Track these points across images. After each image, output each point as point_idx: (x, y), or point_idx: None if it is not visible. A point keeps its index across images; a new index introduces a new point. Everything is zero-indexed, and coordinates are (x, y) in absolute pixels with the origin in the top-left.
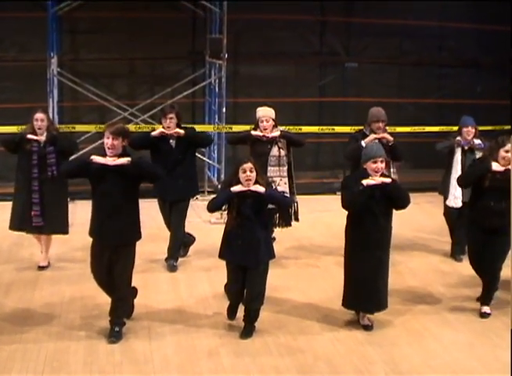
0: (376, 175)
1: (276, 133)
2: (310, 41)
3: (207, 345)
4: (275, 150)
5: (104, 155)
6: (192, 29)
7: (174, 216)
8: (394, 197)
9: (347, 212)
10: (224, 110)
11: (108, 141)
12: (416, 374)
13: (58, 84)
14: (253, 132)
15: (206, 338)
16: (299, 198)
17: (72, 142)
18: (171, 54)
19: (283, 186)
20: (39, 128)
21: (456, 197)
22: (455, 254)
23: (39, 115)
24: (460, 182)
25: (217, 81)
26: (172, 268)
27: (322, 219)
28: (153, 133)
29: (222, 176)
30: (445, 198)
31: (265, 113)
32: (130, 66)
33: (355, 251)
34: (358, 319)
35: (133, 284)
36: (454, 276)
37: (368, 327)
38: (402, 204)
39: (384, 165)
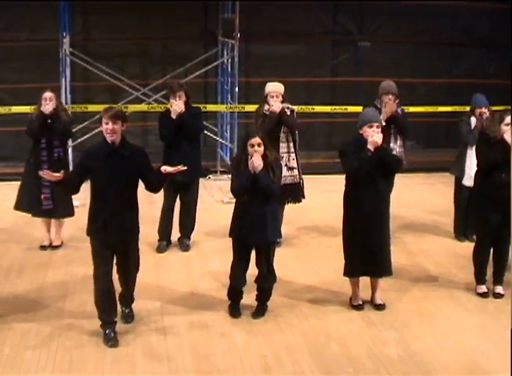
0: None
1: (276, 107)
2: (323, 20)
3: (220, 325)
4: (283, 127)
5: (104, 141)
6: (204, 9)
7: (187, 196)
8: (386, 161)
9: (344, 179)
10: (236, 89)
11: (108, 126)
12: (428, 354)
13: (70, 65)
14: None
15: (218, 317)
16: (312, 178)
17: (66, 130)
18: (184, 34)
19: (291, 161)
20: (47, 109)
21: (471, 176)
22: (459, 235)
23: (47, 94)
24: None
25: (229, 60)
26: (186, 247)
27: (334, 199)
28: (173, 116)
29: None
30: (458, 178)
31: (275, 88)
32: (142, 46)
33: (354, 216)
34: (370, 299)
35: (146, 264)
36: (467, 256)
37: (380, 307)
38: (394, 168)
39: (379, 130)
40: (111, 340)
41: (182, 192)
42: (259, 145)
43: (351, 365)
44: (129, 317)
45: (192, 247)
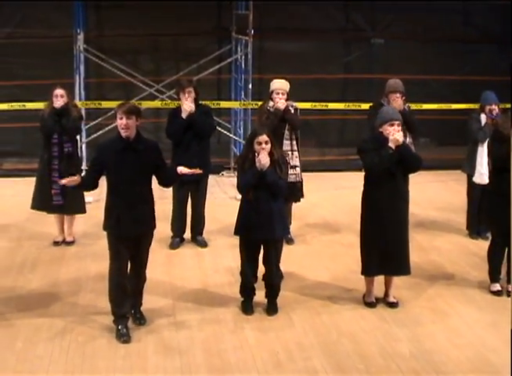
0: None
1: (281, 104)
2: (336, 17)
3: (232, 321)
4: (287, 124)
5: (118, 136)
6: (218, 5)
7: (195, 196)
8: (407, 159)
9: (364, 176)
10: (250, 86)
11: (122, 121)
12: (440, 352)
13: (84, 61)
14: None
15: (230, 313)
16: (324, 174)
17: (75, 126)
18: (197, 30)
19: (294, 159)
20: (58, 105)
21: (481, 173)
22: (472, 233)
23: (59, 91)
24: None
25: (243, 57)
26: (203, 243)
27: (346, 196)
28: (184, 116)
29: None
30: (470, 175)
31: (281, 85)
32: (155, 43)
33: (373, 214)
34: (383, 297)
35: (158, 260)
36: (479, 254)
37: (393, 305)
38: (415, 166)
39: (400, 128)
40: (124, 336)
41: (191, 190)
42: (266, 143)
43: (363, 362)
44: (142, 319)
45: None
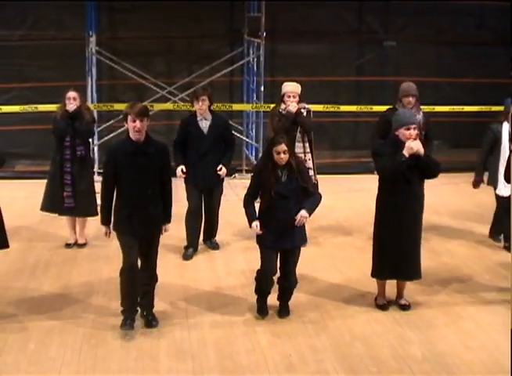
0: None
1: (293, 107)
2: (348, 19)
3: (244, 324)
4: (299, 127)
5: (128, 138)
6: (230, 7)
7: (209, 202)
8: (425, 166)
9: (378, 179)
10: (262, 88)
11: (135, 124)
12: (453, 354)
13: (96, 63)
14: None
15: (243, 316)
16: (337, 177)
17: (88, 129)
18: (209, 32)
19: (307, 162)
20: (71, 107)
21: (506, 185)
22: (494, 235)
23: (71, 94)
24: None
25: (255, 59)
26: (215, 245)
27: (359, 199)
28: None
29: (260, 155)
30: (495, 188)
31: (293, 88)
32: (168, 45)
33: (388, 218)
34: (395, 299)
35: (171, 262)
36: (492, 257)
37: (405, 307)
38: (432, 174)
39: (416, 132)
40: (126, 326)
41: (206, 197)
42: (285, 152)
43: (375, 364)
44: (154, 321)
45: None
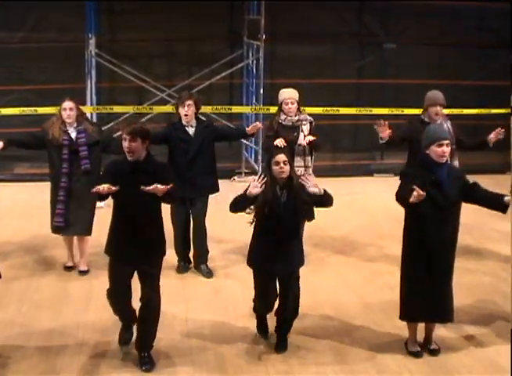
0: (442, 160)
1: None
2: (348, 21)
3: (244, 327)
4: (301, 138)
5: (126, 158)
6: (230, 9)
7: (198, 214)
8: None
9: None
10: (261, 91)
11: (125, 144)
12: (452, 356)
13: (96, 65)
14: (276, 142)
15: (242, 319)
16: (336, 180)
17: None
18: (209, 35)
19: (309, 177)
20: (68, 118)
21: None
22: None
23: (67, 104)
24: None
25: (254, 62)
26: (208, 274)
27: (358, 201)
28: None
29: (259, 158)
30: None
31: (290, 95)
32: (168, 47)
33: (416, 254)
34: (423, 342)
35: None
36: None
37: (435, 352)
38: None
39: (449, 149)
40: (126, 333)
41: (191, 208)
42: (284, 163)
43: (376, 368)
44: (147, 364)
45: (216, 250)
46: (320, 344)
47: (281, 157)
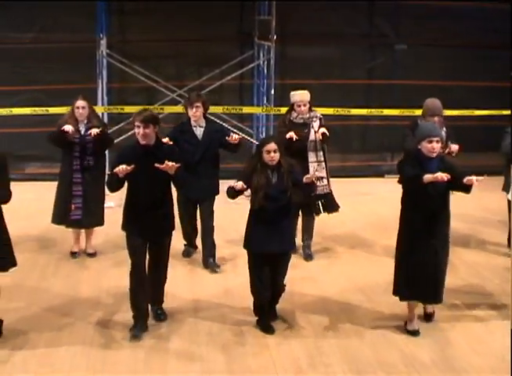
0: (432, 155)
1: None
2: (359, 22)
3: (252, 326)
4: (312, 134)
5: (137, 143)
6: (241, 10)
7: (205, 214)
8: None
9: (402, 194)
10: (272, 91)
11: (139, 130)
12: (462, 358)
13: (107, 66)
14: (288, 135)
15: (251, 318)
16: (346, 180)
17: (111, 140)
18: (220, 35)
19: (321, 171)
20: (80, 116)
21: None
22: None
23: (80, 103)
24: None
25: (265, 62)
26: (215, 269)
27: (368, 202)
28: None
29: None
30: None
31: (303, 97)
32: (178, 48)
33: (412, 236)
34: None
35: (180, 264)
36: (499, 260)
37: (429, 317)
38: (461, 192)
39: (439, 145)
40: (135, 329)
41: (199, 208)
42: (275, 151)
43: (384, 368)
44: (162, 315)
45: (224, 248)
46: (329, 343)
47: (271, 146)
